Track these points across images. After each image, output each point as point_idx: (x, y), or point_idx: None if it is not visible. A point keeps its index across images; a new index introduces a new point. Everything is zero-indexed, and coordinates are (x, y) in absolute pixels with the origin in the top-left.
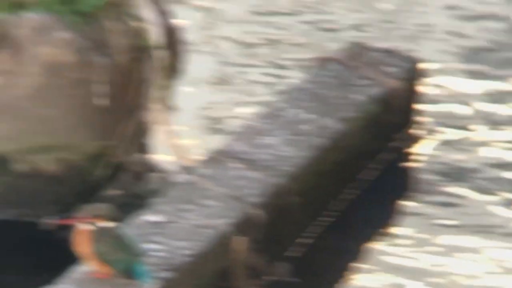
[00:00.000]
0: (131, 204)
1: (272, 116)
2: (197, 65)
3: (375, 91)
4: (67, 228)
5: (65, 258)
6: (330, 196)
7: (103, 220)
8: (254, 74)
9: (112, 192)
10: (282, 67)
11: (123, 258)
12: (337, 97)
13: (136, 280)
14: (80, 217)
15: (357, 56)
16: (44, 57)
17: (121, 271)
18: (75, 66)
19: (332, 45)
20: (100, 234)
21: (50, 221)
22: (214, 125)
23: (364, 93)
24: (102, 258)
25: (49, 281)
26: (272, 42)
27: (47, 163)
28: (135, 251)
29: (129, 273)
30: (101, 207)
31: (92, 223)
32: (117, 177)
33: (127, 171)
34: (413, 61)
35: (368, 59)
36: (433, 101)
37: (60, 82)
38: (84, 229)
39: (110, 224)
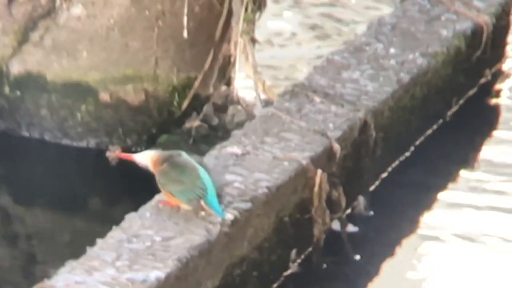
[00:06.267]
0: (213, 135)
1: (356, 50)
2: None
3: (462, 26)
4: None
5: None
6: (411, 131)
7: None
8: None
9: (194, 123)
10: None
11: (188, 189)
12: (423, 31)
13: (211, 211)
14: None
15: None
16: None
17: (187, 202)
18: None
19: None
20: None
21: (110, 153)
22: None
23: (450, 28)
24: (165, 189)
25: (132, 208)
26: None
27: (131, 94)
28: (202, 183)
29: (198, 203)
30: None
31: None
32: (200, 109)
33: (211, 103)
34: None
35: None
36: None
37: (146, 13)
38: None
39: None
